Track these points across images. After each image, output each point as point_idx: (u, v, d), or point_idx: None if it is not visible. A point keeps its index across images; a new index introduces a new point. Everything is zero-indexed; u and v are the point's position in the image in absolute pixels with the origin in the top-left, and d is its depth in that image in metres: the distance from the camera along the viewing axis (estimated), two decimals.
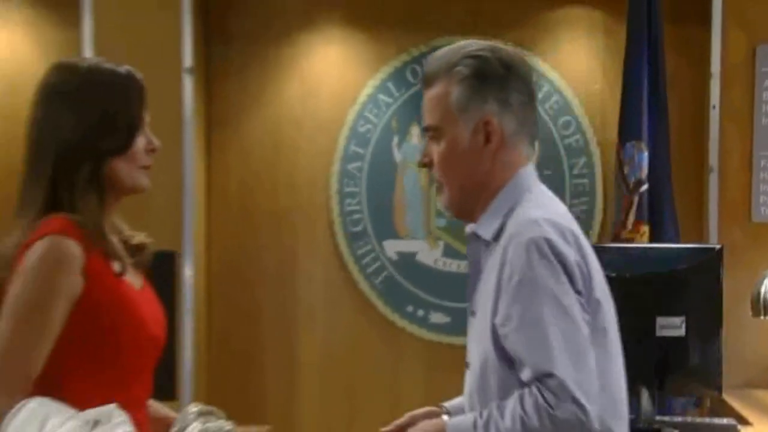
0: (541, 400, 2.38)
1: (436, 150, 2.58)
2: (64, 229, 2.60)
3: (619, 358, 2.58)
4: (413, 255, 5.05)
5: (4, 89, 4.94)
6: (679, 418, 3.80)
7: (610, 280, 2.54)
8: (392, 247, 5.05)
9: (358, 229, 5.01)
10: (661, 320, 3.61)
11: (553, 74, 5.11)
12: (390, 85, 5.08)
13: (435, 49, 4.73)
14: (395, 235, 5.06)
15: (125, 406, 2.56)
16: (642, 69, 4.68)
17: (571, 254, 2.44)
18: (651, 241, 4.67)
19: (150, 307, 2.78)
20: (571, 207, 5.10)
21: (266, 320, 5.02)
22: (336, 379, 5.01)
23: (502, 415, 2.42)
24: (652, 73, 4.67)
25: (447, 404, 2.68)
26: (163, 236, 4.64)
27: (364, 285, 5.02)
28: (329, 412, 4.99)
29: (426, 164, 2.61)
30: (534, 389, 2.40)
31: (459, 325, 4.88)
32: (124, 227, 2.82)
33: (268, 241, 5.03)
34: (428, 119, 2.58)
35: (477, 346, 2.52)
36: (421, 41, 5.12)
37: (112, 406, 2.53)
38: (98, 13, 4.66)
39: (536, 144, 2.67)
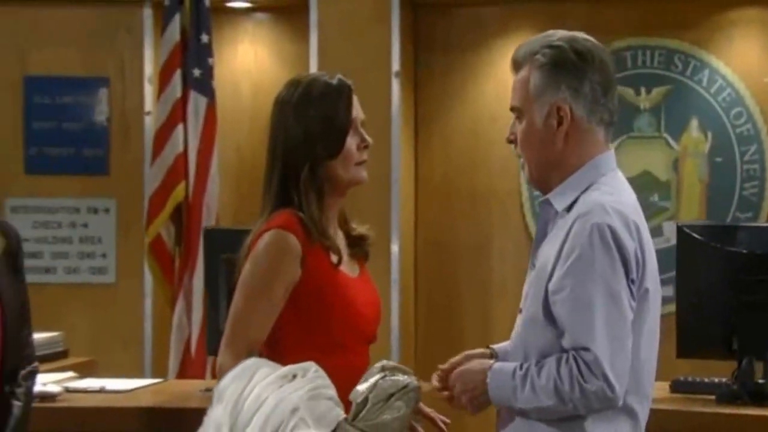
0: (575, 369, 2.42)
1: (519, 129, 2.62)
2: (287, 224, 2.79)
3: (653, 342, 2.59)
4: None
5: (251, 96, 5.51)
6: None
7: None
8: None
9: None
10: None
11: (725, 69, 5.32)
12: None
13: (615, 50, 5.13)
14: None
15: (337, 375, 2.72)
16: None
17: (630, 244, 2.46)
18: None
19: (364, 292, 2.93)
20: (742, 190, 5.39)
21: (465, 290, 5.39)
22: None
23: (538, 373, 2.46)
24: None
25: (495, 347, 2.71)
26: (374, 218, 5.13)
27: None
28: None
29: (512, 141, 2.64)
30: (571, 358, 2.44)
31: None
32: (350, 219, 2.99)
33: (466, 221, 5.38)
34: (513, 100, 2.61)
35: (531, 298, 2.55)
36: (602, 43, 5.30)
37: (310, 363, 2.70)
38: (323, 29, 5.16)
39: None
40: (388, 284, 5.12)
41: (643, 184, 5.35)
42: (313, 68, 5.12)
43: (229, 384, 2.68)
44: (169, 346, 5.04)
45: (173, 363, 5.00)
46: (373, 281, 2.98)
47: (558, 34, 2.61)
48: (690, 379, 3.73)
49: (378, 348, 4.87)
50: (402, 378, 2.75)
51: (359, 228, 2.99)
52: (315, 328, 2.85)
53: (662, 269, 2.61)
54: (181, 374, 4.94)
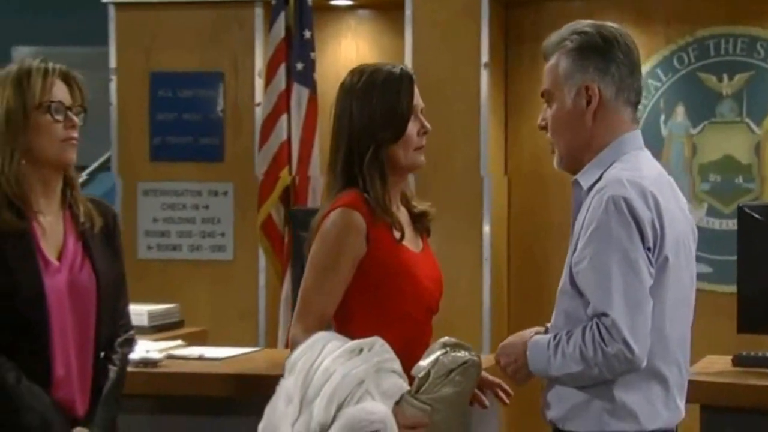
0: (597, 335, 2.48)
1: (550, 114, 2.67)
2: (352, 203, 2.84)
3: (681, 311, 2.62)
4: None
5: None
6: None
7: None
8: None
9: None
10: None
11: None
12: (659, 71, 5.41)
13: (699, 39, 5.18)
14: None
15: (403, 345, 2.80)
16: None
17: (646, 214, 2.49)
18: None
19: (426, 266, 2.97)
20: None
21: (555, 271, 5.43)
22: None
23: (567, 341, 2.53)
24: None
25: (549, 324, 2.72)
26: (464, 202, 5.31)
27: None
28: None
29: (543, 127, 2.70)
30: (594, 324, 2.49)
31: (721, 275, 5.20)
32: (412, 198, 3.03)
33: (554, 201, 5.45)
34: (544, 85, 2.69)
35: (564, 272, 2.61)
36: (687, 32, 5.41)
37: (375, 338, 2.77)
38: (417, 24, 5.34)
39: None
40: (480, 266, 5.27)
41: (725, 167, 5.40)
42: (408, 60, 5.30)
43: (300, 356, 2.76)
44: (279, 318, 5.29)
45: (282, 333, 5.21)
46: (435, 256, 3.03)
47: (585, 22, 2.70)
48: (752, 353, 3.76)
49: (470, 328, 5.09)
50: (462, 354, 2.80)
51: (420, 205, 3.03)
52: (381, 300, 2.89)
53: None
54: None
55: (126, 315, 3.07)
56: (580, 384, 2.57)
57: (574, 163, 2.67)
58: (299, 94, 5.16)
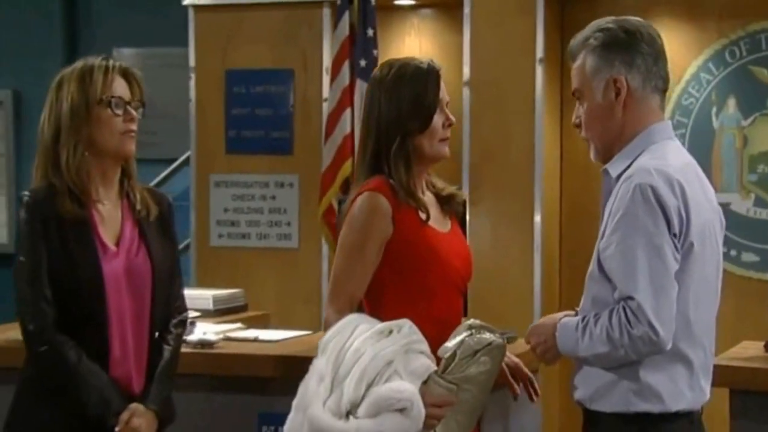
0: (623, 317, 2.51)
1: (582, 111, 2.71)
2: (377, 187, 2.91)
3: (708, 293, 2.64)
4: (727, 205, 5.30)
5: None
6: None
7: None
8: None
9: None
10: None
11: None
12: (711, 64, 5.42)
13: (751, 33, 5.19)
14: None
15: (431, 323, 2.85)
16: None
17: (672, 201, 2.52)
18: None
19: (453, 245, 3.01)
20: None
21: None
22: None
23: (595, 324, 2.57)
24: None
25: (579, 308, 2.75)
26: (519, 192, 5.39)
27: None
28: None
29: (577, 125, 2.74)
30: (620, 308, 2.52)
31: None
32: (438, 183, 3.08)
33: None
34: (573, 84, 2.72)
35: (593, 258, 2.66)
36: (739, 26, 5.40)
37: (405, 320, 2.82)
38: (474, 21, 5.42)
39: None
40: (531, 252, 5.34)
41: None
42: (466, 56, 5.40)
43: (332, 338, 2.82)
44: None
45: None
46: (463, 237, 3.10)
47: (607, 19, 2.75)
48: None
49: (521, 315, 5.13)
50: (488, 336, 2.85)
51: (448, 188, 3.09)
52: (408, 279, 2.94)
53: None
54: None
55: (181, 297, 3.17)
56: (606, 365, 2.60)
57: (608, 155, 2.71)
58: (362, 89, 5.27)
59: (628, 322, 2.51)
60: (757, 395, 3.25)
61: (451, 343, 2.83)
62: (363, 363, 2.74)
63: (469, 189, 5.37)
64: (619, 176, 2.63)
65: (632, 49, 2.65)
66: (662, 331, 2.50)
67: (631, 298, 2.51)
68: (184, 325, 3.20)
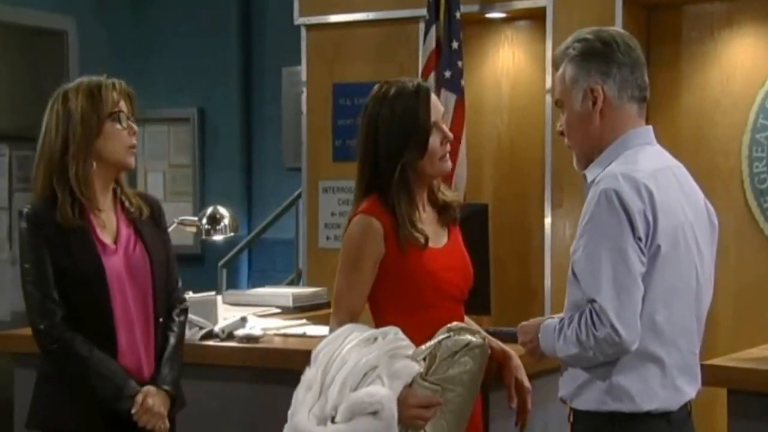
0: (588, 320, 2.45)
1: (564, 119, 2.65)
2: (370, 210, 2.86)
3: (682, 294, 2.53)
4: None
5: (509, 92, 5.66)
6: None
7: None
8: None
9: (764, 186, 5.05)
10: None
11: None
12: None
13: None
14: None
15: (432, 330, 2.78)
16: None
17: (636, 205, 2.44)
18: None
19: (447, 259, 2.92)
20: None
21: None
22: (748, 310, 5.05)
23: (568, 326, 2.52)
24: None
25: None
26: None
27: None
28: (742, 338, 4.92)
29: (562, 133, 2.67)
30: (587, 310, 2.46)
31: None
32: (441, 187, 2.99)
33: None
34: (556, 94, 2.68)
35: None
36: None
37: (390, 327, 2.78)
38: (557, 31, 5.20)
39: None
40: (542, 255, 5.15)
41: None
42: (548, 65, 5.18)
43: (323, 347, 2.80)
44: None
45: None
46: (461, 246, 2.99)
47: (586, 30, 2.66)
48: None
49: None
50: (467, 337, 2.76)
51: (446, 194, 2.99)
52: (403, 294, 2.91)
53: None
54: None
55: (178, 289, 3.19)
56: (580, 365, 2.55)
57: (588, 162, 2.64)
58: (446, 99, 5.17)
59: (593, 324, 2.45)
60: (756, 396, 3.10)
61: (423, 346, 2.77)
62: (346, 369, 2.70)
63: (551, 192, 5.19)
64: (593, 181, 2.57)
65: (608, 58, 2.58)
66: (624, 333, 2.42)
67: (594, 300, 2.45)
68: (186, 313, 3.22)
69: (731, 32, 5.15)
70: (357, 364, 2.68)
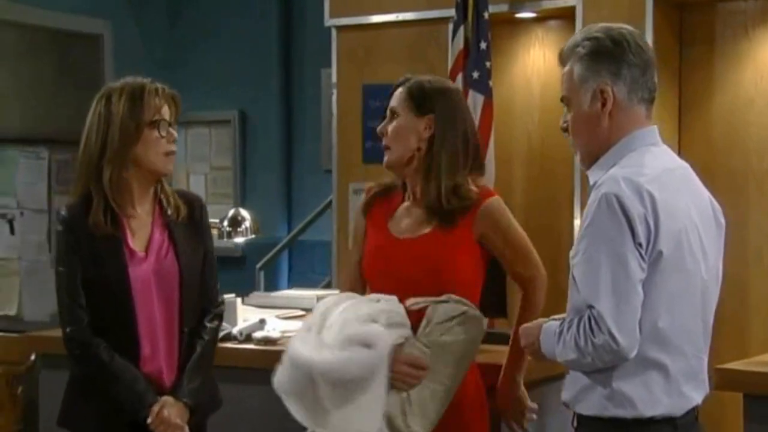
0: (587, 326, 2.39)
1: (569, 117, 2.58)
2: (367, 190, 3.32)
3: (686, 299, 2.46)
4: None
5: (540, 92, 5.56)
6: None
7: None
8: None
9: None
10: None
11: None
12: None
13: None
14: None
15: None
16: None
17: (637, 210, 2.37)
18: None
19: (397, 249, 3.02)
20: None
21: (724, 261, 5.02)
22: None
23: (567, 330, 2.46)
24: None
25: None
26: None
27: None
28: None
29: (565, 129, 2.61)
30: (585, 316, 2.40)
31: None
32: (460, 191, 3.02)
33: (725, 197, 4.85)
34: (562, 91, 2.60)
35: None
36: None
37: (392, 296, 2.88)
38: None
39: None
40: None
41: None
42: None
43: (327, 301, 2.91)
44: None
45: None
46: (432, 245, 2.95)
47: (596, 27, 2.58)
48: None
49: None
50: (464, 307, 2.79)
51: (459, 202, 2.99)
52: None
53: None
54: None
55: (216, 293, 3.13)
56: (580, 370, 2.49)
57: (593, 162, 2.57)
58: (474, 99, 5.08)
59: (591, 330, 2.39)
60: None
61: (421, 298, 2.80)
62: (347, 315, 2.77)
63: (580, 194, 5.07)
64: (595, 184, 2.51)
65: (619, 58, 2.51)
66: (622, 340, 2.36)
67: (593, 306, 2.39)
68: (220, 318, 3.16)
69: (766, 31, 5.00)
70: (358, 312, 2.74)
